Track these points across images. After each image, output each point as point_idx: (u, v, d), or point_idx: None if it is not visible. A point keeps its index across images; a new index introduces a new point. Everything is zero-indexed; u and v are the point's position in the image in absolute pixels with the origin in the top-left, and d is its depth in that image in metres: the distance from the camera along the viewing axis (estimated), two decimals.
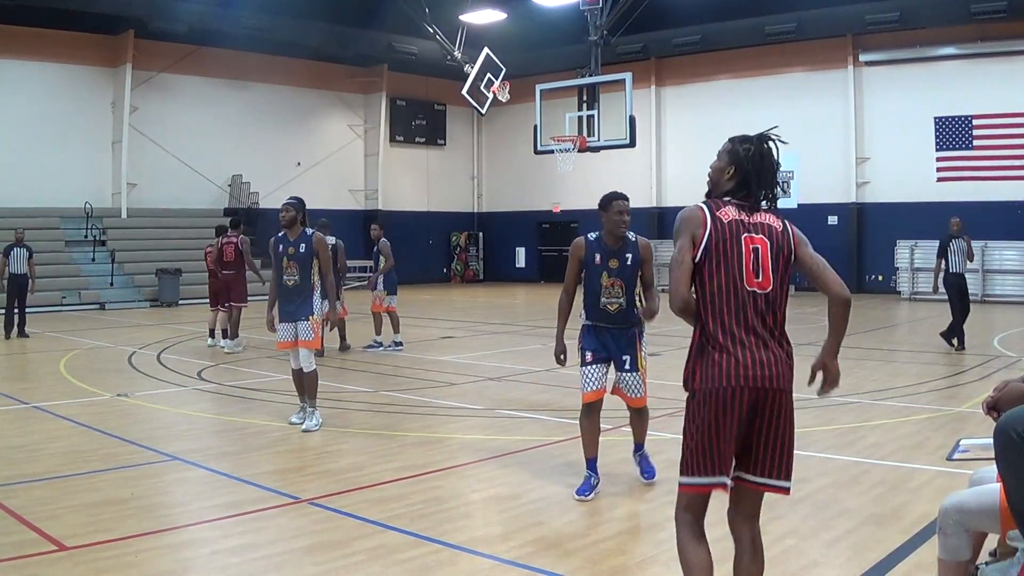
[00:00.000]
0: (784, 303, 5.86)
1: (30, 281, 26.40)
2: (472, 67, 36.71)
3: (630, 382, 10.28)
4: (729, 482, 5.90)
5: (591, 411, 10.19)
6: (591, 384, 10.14)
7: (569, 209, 51.73)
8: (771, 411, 5.68)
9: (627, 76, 31.29)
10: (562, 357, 10.44)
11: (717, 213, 5.87)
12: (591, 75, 32.90)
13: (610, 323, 10.13)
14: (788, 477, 5.93)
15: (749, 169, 6.12)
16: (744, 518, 6.18)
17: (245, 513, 9.26)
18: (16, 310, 26.53)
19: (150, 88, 43.98)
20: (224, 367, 19.99)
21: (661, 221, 46.87)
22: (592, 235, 10.38)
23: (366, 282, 22.86)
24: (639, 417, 10.58)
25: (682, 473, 5.95)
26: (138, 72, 43.18)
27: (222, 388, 17.31)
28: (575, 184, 47.87)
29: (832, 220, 42.30)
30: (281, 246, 13.79)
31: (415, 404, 15.43)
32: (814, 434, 12.34)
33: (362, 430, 13.26)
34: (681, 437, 5.91)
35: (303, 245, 13.64)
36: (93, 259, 38.98)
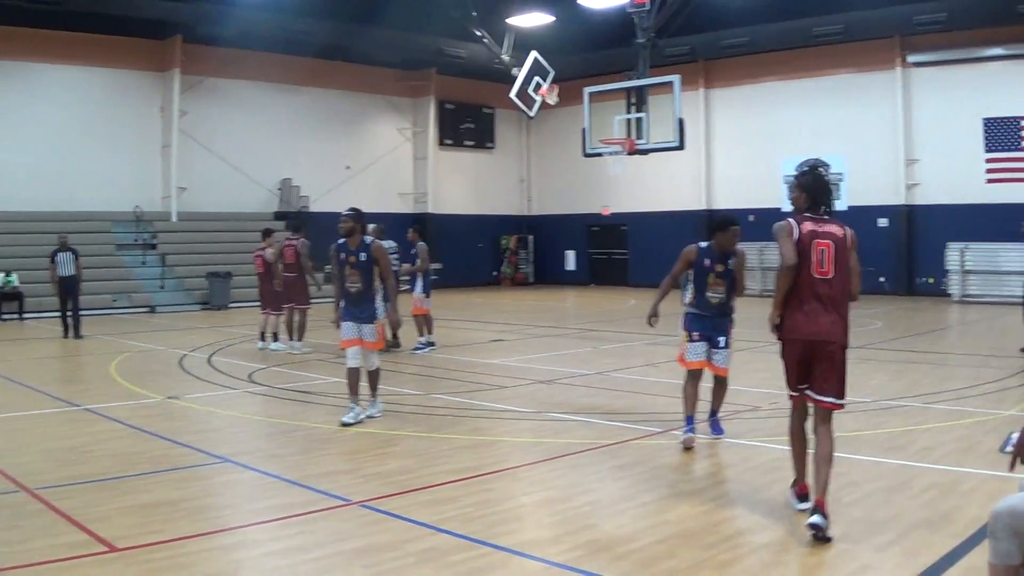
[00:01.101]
0: (843, 285, 8.82)
1: (79, 283, 26.76)
2: (520, 70, 36.67)
3: (722, 356, 12.68)
4: (797, 394, 9.04)
5: (694, 377, 12.68)
6: (696, 356, 12.67)
7: (619, 212, 51.66)
8: (820, 354, 8.71)
9: (675, 79, 31.16)
10: (653, 320, 13.30)
11: (800, 226, 8.81)
12: (639, 77, 32.79)
13: (711, 312, 12.76)
14: (838, 397, 8.76)
15: (813, 192, 9.02)
16: (820, 420, 8.79)
17: (296, 515, 9.30)
18: (69, 312, 26.82)
19: (199, 92, 44.19)
20: (275, 370, 20.05)
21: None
22: (703, 244, 13.01)
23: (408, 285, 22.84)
24: (721, 387, 12.89)
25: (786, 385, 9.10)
26: (186, 76, 43.35)
27: (273, 391, 17.37)
28: (624, 187, 47.86)
29: (882, 222, 41.95)
30: (343, 254, 14.42)
31: (466, 407, 15.45)
32: (864, 438, 12.27)
33: (413, 433, 13.28)
34: None
35: (363, 253, 14.27)
36: (143, 263, 39.19)
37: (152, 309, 36.94)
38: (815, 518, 8.16)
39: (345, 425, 13.89)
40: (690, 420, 12.38)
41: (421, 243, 23.19)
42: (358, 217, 14.57)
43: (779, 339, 8.98)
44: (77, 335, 26.75)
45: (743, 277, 12.90)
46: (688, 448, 12.03)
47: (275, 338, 23.34)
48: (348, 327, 14.40)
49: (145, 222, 40.17)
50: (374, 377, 14.67)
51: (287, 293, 23.28)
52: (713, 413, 13.00)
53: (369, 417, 14.31)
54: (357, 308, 14.37)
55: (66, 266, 26.76)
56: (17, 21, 37.86)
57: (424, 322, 23.00)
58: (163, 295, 38.04)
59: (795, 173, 9.55)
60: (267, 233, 24.63)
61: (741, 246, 12.96)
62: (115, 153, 41.54)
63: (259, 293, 24.51)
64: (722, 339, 12.71)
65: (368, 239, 14.52)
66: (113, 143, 41.51)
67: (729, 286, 12.74)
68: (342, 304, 14.58)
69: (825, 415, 8.75)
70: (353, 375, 14.32)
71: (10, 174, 38.33)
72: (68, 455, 11.71)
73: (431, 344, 22.95)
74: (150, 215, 41.22)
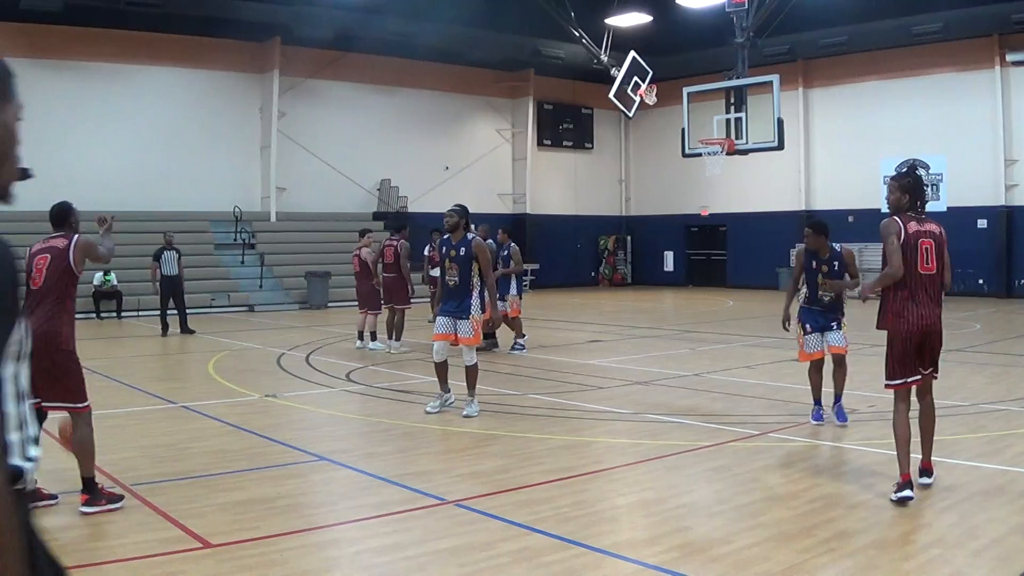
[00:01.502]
0: (942, 278, 9.85)
1: (182, 282, 27.19)
2: (619, 70, 36.62)
3: (836, 336, 13.82)
4: (913, 380, 9.86)
5: (816, 367, 13.93)
6: (813, 348, 13.85)
7: (717, 212, 51.46)
8: (932, 339, 9.82)
9: (774, 78, 31.01)
10: (786, 324, 14.36)
11: (906, 226, 9.67)
12: (738, 77, 32.66)
13: (823, 307, 13.88)
14: (937, 368, 10.04)
15: (913, 192, 9.86)
16: (926, 392, 10.04)
17: (391, 514, 9.33)
18: (174, 310, 27.23)
19: (297, 94, 44.57)
20: (373, 369, 20.14)
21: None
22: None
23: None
24: (840, 370, 13.85)
25: (890, 378, 9.87)
26: (285, 78, 43.78)
27: (370, 389, 17.44)
28: (723, 187, 47.64)
29: (981, 224, 41.42)
30: (445, 248, 15.07)
31: (562, 407, 15.42)
32: (962, 442, 12.13)
33: (509, 432, 13.29)
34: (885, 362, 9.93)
35: (463, 248, 14.73)
36: (242, 262, 39.51)
37: (251, 308, 37.24)
38: (925, 479, 9.87)
39: (428, 414, 14.49)
40: (818, 404, 13.96)
41: (513, 244, 23.26)
42: (463, 213, 15.05)
43: (890, 332, 9.80)
44: (186, 330, 27.18)
45: (856, 273, 14.28)
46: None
47: (373, 337, 23.43)
48: (442, 322, 14.82)
49: (244, 222, 40.47)
50: (471, 374, 14.84)
51: (386, 293, 23.38)
52: (837, 399, 13.92)
53: (467, 416, 14.41)
54: (454, 303, 14.74)
55: (170, 265, 27.14)
56: (118, 24, 38.42)
57: (519, 323, 23.02)
58: (261, 294, 38.36)
59: (893, 174, 10.18)
60: (363, 233, 24.76)
61: (847, 246, 14.58)
62: (215, 154, 42.08)
63: (356, 293, 24.63)
64: (834, 323, 13.85)
65: (471, 235, 14.94)
66: (213, 144, 42.05)
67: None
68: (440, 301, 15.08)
69: (929, 386, 10.04)
70: (441, 368, 14.80)
71: (111, 175, 38.81)
72: (165, 452, 11.82)
73: (521, 347, 22.99)
74: (249, 215, 41.56)
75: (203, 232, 40.08)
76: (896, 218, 9.72)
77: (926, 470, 9.85)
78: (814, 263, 13.99)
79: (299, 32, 40.91)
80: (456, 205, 15.32)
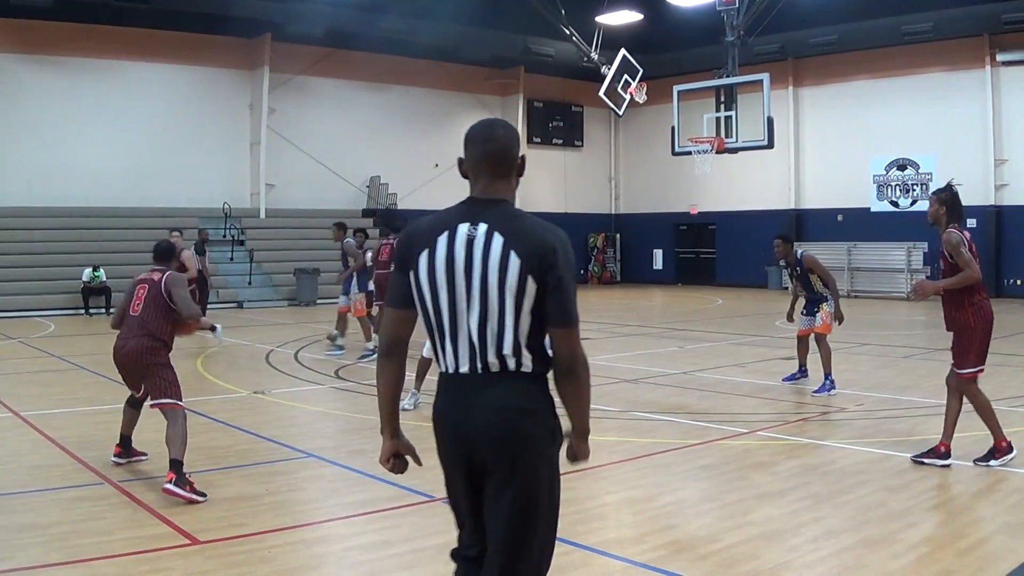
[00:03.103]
0: None
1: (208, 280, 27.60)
2: (609, 68, 36.65)
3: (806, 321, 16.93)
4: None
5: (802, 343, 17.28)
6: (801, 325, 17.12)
7: (707, 211, 51.41)
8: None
9: (765, 77, 31.04)
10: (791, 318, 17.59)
11: (964, 233, 10.73)
12: (728, 76, 32.70)
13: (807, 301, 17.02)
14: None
15: (952, 205, 10.94)
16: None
17: (379, 511, 9.37)
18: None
19: (287, 90, 44.58)
20: (361, 365, 20.15)
21: (800, 223, 46.31)
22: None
23: None
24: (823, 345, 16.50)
25: (973, 366, 10.87)
26: (275, 75, 43.80)
27: (359, 386, 17.46)
28: (713, 186, 47.61)
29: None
30: None
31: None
32: (954, 440, 12.17)
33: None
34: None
35: None
36: (231, 258, 39.49)
37: (240, 304, 37.23)
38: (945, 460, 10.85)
39: (403, 410, 14.07)
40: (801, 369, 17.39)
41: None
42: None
43: (975, 326, 10.80)
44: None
45: (823, 275, 16.72)
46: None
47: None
48: None
49: (234, 218, 40.46)
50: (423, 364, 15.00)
51: (379, 290, 23.44)
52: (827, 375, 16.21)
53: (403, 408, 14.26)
54: None
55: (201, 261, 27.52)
56: (109, 20, 38.43)
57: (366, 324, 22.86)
58: (251, 291, 38.34)
59: (933, 192, 11.30)
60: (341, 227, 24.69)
61: (808, 253, 17.05)
62: (204, 150, 42.08)
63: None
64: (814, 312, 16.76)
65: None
66: (203, 140, 42.06)
67: (805, 285, 16.84)
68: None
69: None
70: (425, 365, 14.75)
71: (101, 170, 38.84)
72: (152, 448, 11.78)
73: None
74: (239, 211, 41.54)
75: (193, 228, 39.97)
76: (955, 229, 10.77)
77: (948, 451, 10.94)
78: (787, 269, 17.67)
79: (290, 29, 40.92)
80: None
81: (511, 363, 4.58)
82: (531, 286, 4.51)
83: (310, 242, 42.04)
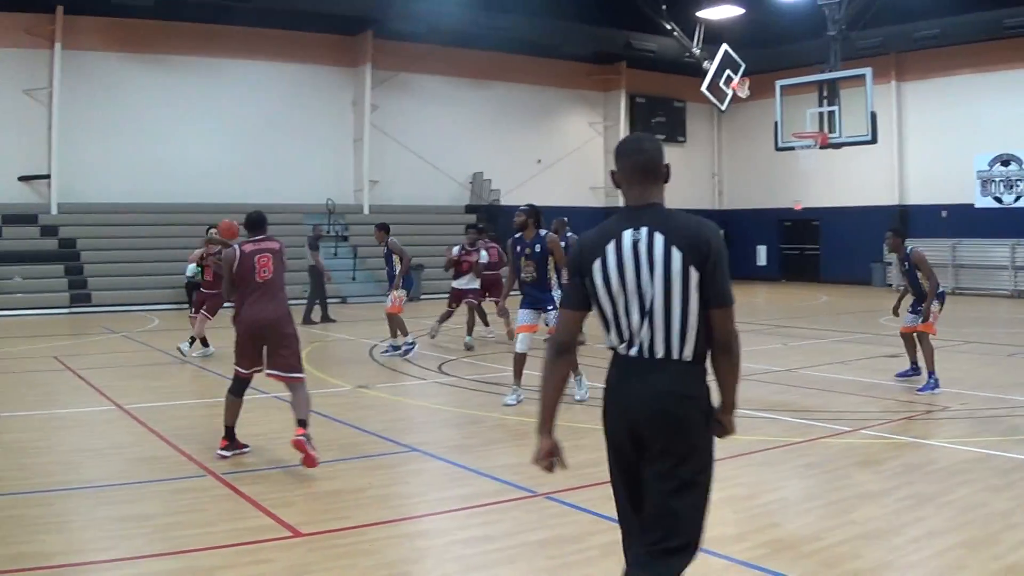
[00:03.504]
0: None
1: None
2: (711, 63, 36.54)
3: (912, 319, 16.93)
4: None
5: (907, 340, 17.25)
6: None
7: (811, 206, 50.86)
8: None
9: (867, 71, 30.81)
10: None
11: None
12: (831, 70, 32.48)
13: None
14: None
15: None
16: None
17: (481, 505, 9.44)
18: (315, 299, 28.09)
19: (390, 87, 44.81)
20: (465, 361, 20.23)
21: (904, 219, 45.71)
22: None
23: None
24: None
25: None
26: (378, 71, 44.10)
27: (462, 381, 17.55)
28: (816, 181, 47.19)
29: None
30: (519, 246, 15.58)
31: None
32: None
33: (601, 426, 13.27)
34: None
35: (538, 246, 15.35)
36: (336, 254, 39.67)
37: (344, 300, 37.42)
38: None
39: (506, 405, 14.72)
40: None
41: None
42: (531, 212, 15.72)
43: None
44: (327, 319, 28.85)
45: (928, 273, 16.36)
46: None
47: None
48: (526, 314, 15.26)
49: (337, 214, 40.68)
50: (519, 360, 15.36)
51: (489, 290, 23.72)
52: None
53: (579, 401, 14.97)
54: (533, 297, 15.30)
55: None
56: (211, 19, 38.84)
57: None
58: (354, 286, 38.52)
59: None
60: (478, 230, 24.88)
61: (916, 248, 16.82)
62: (308, 147, 42.51)
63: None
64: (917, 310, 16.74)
65: (543, 232, 15.54)
66: (306, 137, 42.47)
67: (912, 282, 16.76)
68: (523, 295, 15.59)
69: None
70: (520, 360, 15.08)
71: (205, 168, 39.35)
72: (256, 441, 11.93)
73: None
74: (342, 208, 41.78)
75: (297, 224, 40.31)
76: None
77: None
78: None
79: (391, 26, 41.14)
80: (525, 205, 16.11)
81: (675, 351, 5.12)
82: (693, 275, 5.04)
83: (413, 238, 42.07)
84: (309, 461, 10.50)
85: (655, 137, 5.84)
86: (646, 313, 5.15)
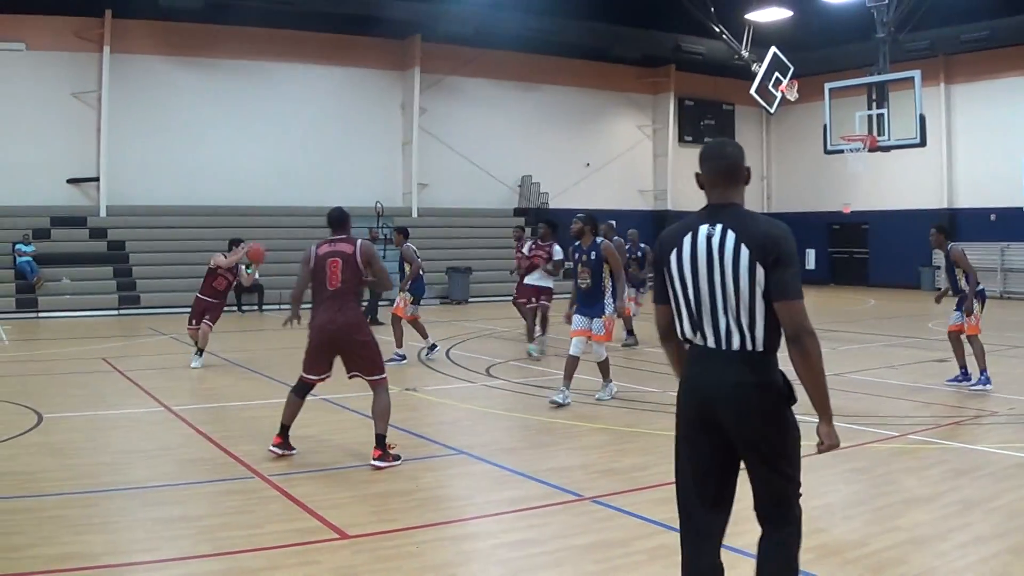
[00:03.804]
0: None
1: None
2: (760, 66, 36.43)
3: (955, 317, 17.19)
4: None
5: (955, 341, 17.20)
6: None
7: (859, 210, 50.71)
8: None
9: (916, 74, 30.65)
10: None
11: None
12: (879, 73, 32.33)
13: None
14: None
15: None
16: None
17: (528, 509, 9.44)
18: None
19: (438, 90, 45.02)
20: (513, 364, 20.25)
21: (953, 223, 45.46)
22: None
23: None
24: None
25: None
26: (426, 75, 44.36)
27: (510, 384, 17.57)
28: (865, 184, 47.05)
29: None
30: (576, 253, 15.97)
31: None
32: None
33: (648, 430, 13.32)
34: None
35: (593, 252, 15.67)
36: (384, 256, 39.50)
37: (391, 302, 37.49)
38: None
39: (553, 403, 15.07)
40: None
41: (645, 245, 23.54)
42: (587, 220, 16.07)
43: None
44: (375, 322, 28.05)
45: (967, 269, 16.73)
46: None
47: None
48: (578, 319, 15.73)
49: (386, 217, 40.74)
50: (603, 366, 15.90)
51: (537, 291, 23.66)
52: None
53: (599, 400, 15.66)
54: (587, 303, 15.65)
55: None
56: (260, 22, 39.08)
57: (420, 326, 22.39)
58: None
59: None
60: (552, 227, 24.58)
61: (955, 245, 17.18)
62: (357, 150, 42.76)
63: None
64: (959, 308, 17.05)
65: (599, 239, 15.87)
66: (355, 140, 42.75)
67: (950, 278, 17.21)
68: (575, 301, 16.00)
69: None
70: (571, 363, 15.39)
71: (254, 171, 39.64)
72: (302, 443, 11.97)
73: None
74: (391, 210, 41.79)
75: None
76: None
77: None
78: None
79: (439, 29, 41.28)
80: (581, 213, 16.59)
81: (748, 342, 5.50)
82: (759, 272, 5.41)
83: (462, 240, 42.37)
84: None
85: (736, 143, 6.16)
86: (716, 304, 5.53)
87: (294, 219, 39.12)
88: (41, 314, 32.70)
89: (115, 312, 33.64)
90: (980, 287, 16.84)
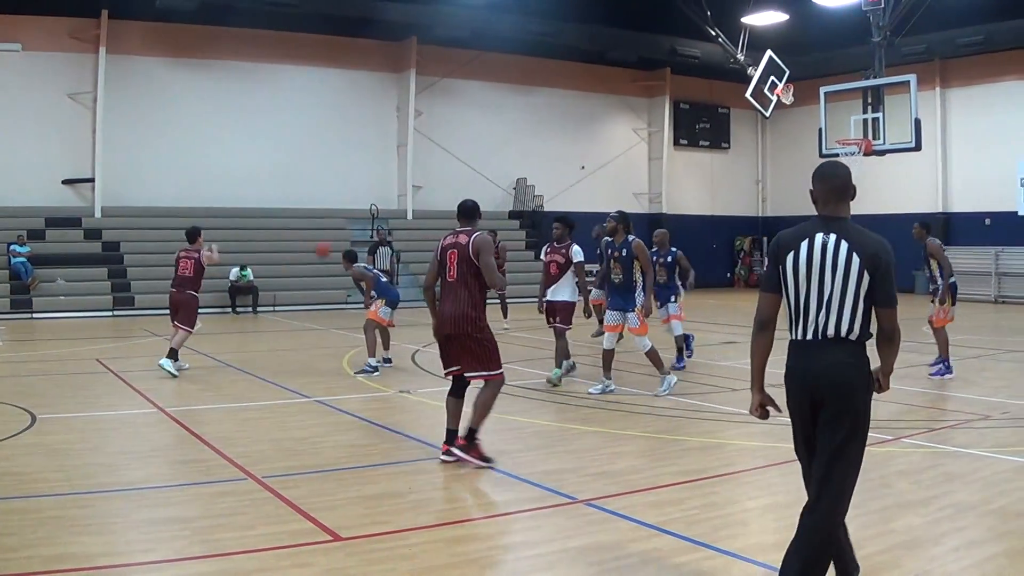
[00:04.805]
0: None
1: (395, 278, 27.23)
2: (755, 70, 36.46)
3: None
4: None
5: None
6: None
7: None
8: None
9: (912, 78, 30.65)
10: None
11: None
12: (875, 77, 32.35)
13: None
14: None
15: None
16: None
17: (522, 511, 9.44)
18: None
19: (434, 93, 45.08)
20: (507, 366, 20.19)
21: (947, 227, 45.64)
22: None
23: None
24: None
25: None
26: (422, 77, 44.48)
27: (505, 387, 17.54)
28: (860, 188, 46.21)
29: None
30: (609, 249, 16.85)
31: (696, 408, 15.44)
32: None
33: (642, 433, 13.34)
34: None
35: (624, 250, 16.45)
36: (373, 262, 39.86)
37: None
38: None
39: (590, 394, 16.05)
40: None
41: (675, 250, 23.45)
42: (621, 219, 16.72)
43: None
44: None
45: (942, 261, 17.85)
46: None
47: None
48: (612, 315, 16.65)
49: (381, 219, 40.77)
50: (652, 357, 16.60)
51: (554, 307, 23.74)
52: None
53: (656, 395, 16.32)
54: (621, 298, 16.50)
55: (383, 260, 27.56)
56: (255, 24, 39.12)
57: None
58: (398, 291, 38.58)
59: None
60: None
61: (932, 239, 18.20)
62: (352, 152, 42.91)
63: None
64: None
65: (631, 237, 16.52)
66: (351, 142, 42.89)
67: (929, 270, 18.24)
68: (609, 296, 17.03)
69: None
70: (607, 355, 16.60)
71: (251, 172, 39.73)
72: (298, 445, 12.03)
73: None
74: (386, 212, 41.96)
75: (341, 229, 40.63)
76: None
77: None
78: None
79: (436, 32, 41.48)
80: (616, 212, 17.04)
81: (844, 332, 6.49)
82: (866, 278, 6.52)
83: None
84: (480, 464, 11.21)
85: (846, 165, 7.32)
86: (824, 301, 6.52)
87: (289, 220, 39.27)
88: (36, 315, 32.76)
89: (109, 313, 33.68)
90: (952, 280, 17.31)
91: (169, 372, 18.62)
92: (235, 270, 34.95)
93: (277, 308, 35.06)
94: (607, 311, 16.86)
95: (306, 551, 8.08)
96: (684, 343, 20.65)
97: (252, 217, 38.84)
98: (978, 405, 15.26)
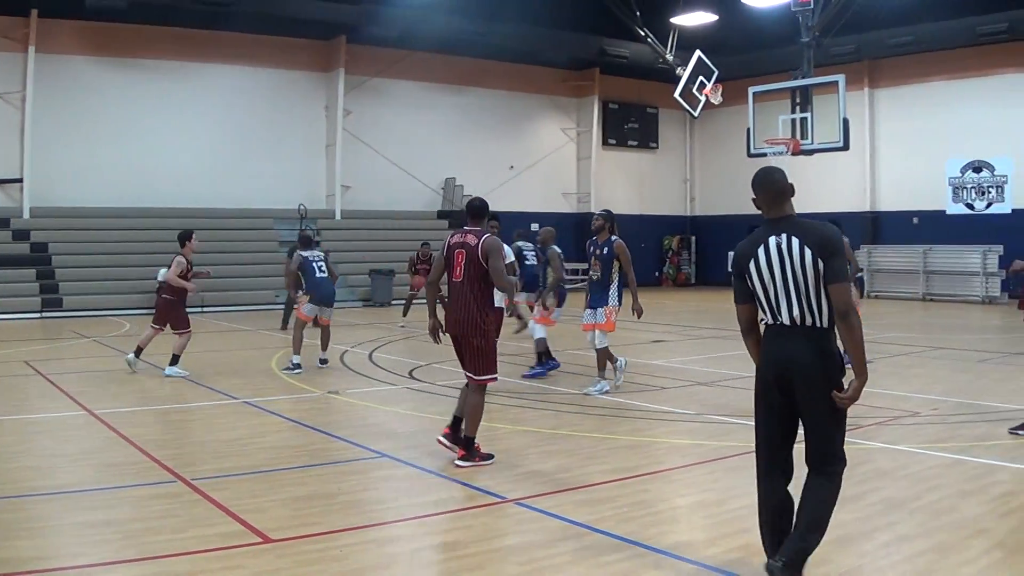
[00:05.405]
0: None
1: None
2: (684, 70, 36.66)
3: None
4: None
5: None
6: None
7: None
8: None
9: (840, 78, 30.88)
10: None
11: None
12: (803, 77, 32.56)
13: None
14: None
15: None
16: None
17: (451, 511, 9.47)
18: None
19: (363, 92, 44.95)
20: (436, 366, 20.20)
21: (876, 225, 46.07)
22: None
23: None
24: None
25: None
26: (351, 77, 44.37)
27: (433, 387, 17.53)
28: None
29: None
30: (592, 247, 16.99)
31: (625, 407, 15.44)
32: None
33: (571, 432, 13.33)
34: None
35: (606, 248, 16.68)
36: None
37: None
38: None
39: (586, 395, 16.21)
40: None
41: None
42: (608, 217, 17.04)
43: None
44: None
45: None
46: None
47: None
48: (588, 313, 16.93)
49: (309, 219, 40.65)
50: (602, 355, 16.80)
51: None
52: None
53: (586, 394, 16.39)
54: (595, 295, 16.82)
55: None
56: (184, 22, 38.96)
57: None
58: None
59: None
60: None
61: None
62: (280, 152, 42.60)
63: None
64: None
65: (614, 238, 16.76)
66: (279, 142, 42.60)
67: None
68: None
69: None
70: (603, 354, 16.75)
71: (178, 172, 39.44)
72: (226, 447, 11.96)
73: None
74: (314, 213, 41.77)
75: (268, 229, 40.51)
76: None
77: None
78: None
79: (365, 31, 41.38)
80: (603, 210, 17.57)
81: (811, 320, 6.98)
82: (820, 265, 6.89)
83: (385, 243, 42.32)
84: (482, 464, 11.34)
85: (780, 169, 7.71)
86: (790, 295, 7.02)
87: (217, 220, 38.98)
88: None
89: (37, 315, 33.34)
90: (860, 275, 17.71)
91: (179, 375, 18.90)
92: (162, 271, 34.64)
93: (205, 309, 34.81)
94: (585, 310, 16.98)
95: (237, 553, 8.00)
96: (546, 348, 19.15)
97: (181, 217, 38.42)
98: (907, 402, 15.36)
